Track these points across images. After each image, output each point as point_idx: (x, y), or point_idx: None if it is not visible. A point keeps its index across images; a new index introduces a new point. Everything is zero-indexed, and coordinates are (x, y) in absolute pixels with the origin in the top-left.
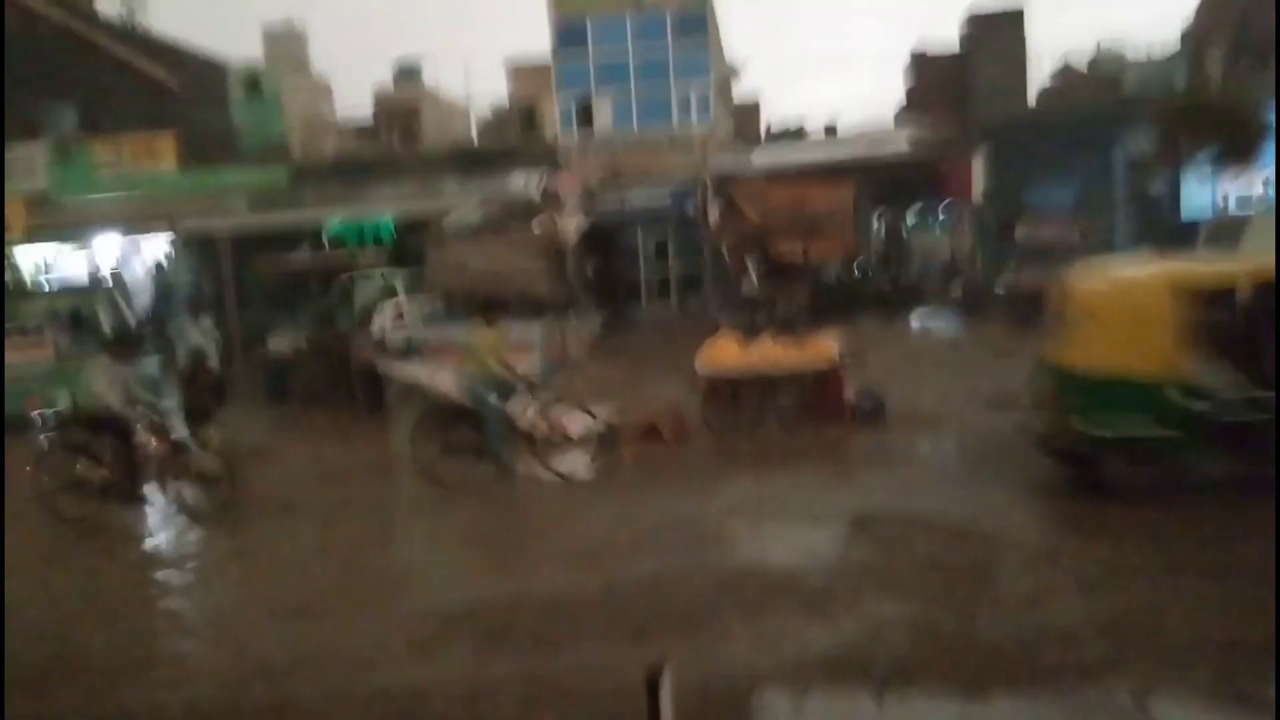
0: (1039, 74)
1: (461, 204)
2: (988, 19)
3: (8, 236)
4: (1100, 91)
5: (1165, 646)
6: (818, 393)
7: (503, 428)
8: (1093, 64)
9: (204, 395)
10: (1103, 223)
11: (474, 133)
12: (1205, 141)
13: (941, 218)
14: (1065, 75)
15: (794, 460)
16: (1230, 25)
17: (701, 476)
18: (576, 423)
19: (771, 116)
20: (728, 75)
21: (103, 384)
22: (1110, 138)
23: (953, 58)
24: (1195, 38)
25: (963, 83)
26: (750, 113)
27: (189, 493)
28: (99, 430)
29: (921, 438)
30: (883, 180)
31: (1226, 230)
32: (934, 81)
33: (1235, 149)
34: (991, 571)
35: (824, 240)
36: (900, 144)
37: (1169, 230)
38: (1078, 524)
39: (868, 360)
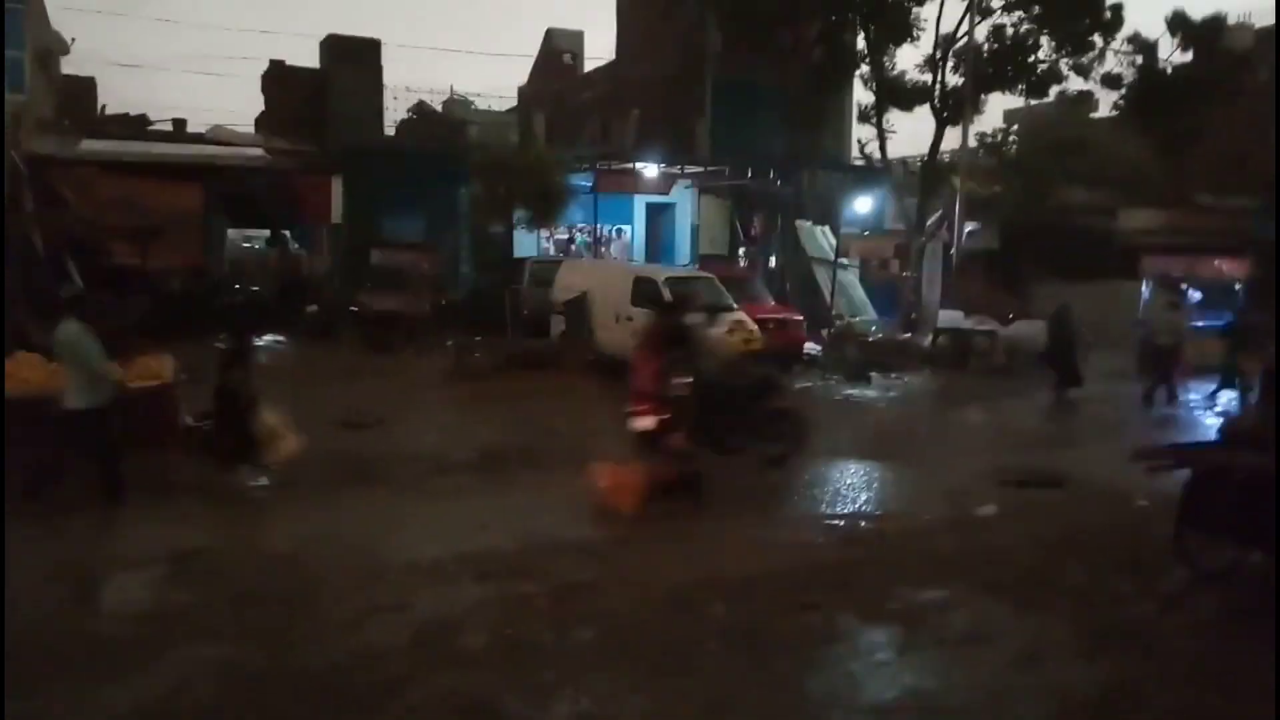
0: (394, 107)
1: None
2: (346, 42)
3: None
4: (451, 134)
5: None
6: (147, 416)
7: None
8: (446, 106)
9: None
10: (448, 254)
11: None
12: (522, 203)
13: (291, 236)
14: (420, 112)
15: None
16: (549, 98)
17: None
18: None
19: (110, 100)
20: (53, 46)
21: None
22: (457, 177)
23: (312, 74)
24: (524, 103)
25: (321, 102)
26: (82, 92)
27: None
28: None
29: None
30: (236, 190)
31: (545, 268)
32: (293, 95)
33: (542, 213)
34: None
35: (166, 246)
36: (257, 154)
37: (503, 264)
38: None
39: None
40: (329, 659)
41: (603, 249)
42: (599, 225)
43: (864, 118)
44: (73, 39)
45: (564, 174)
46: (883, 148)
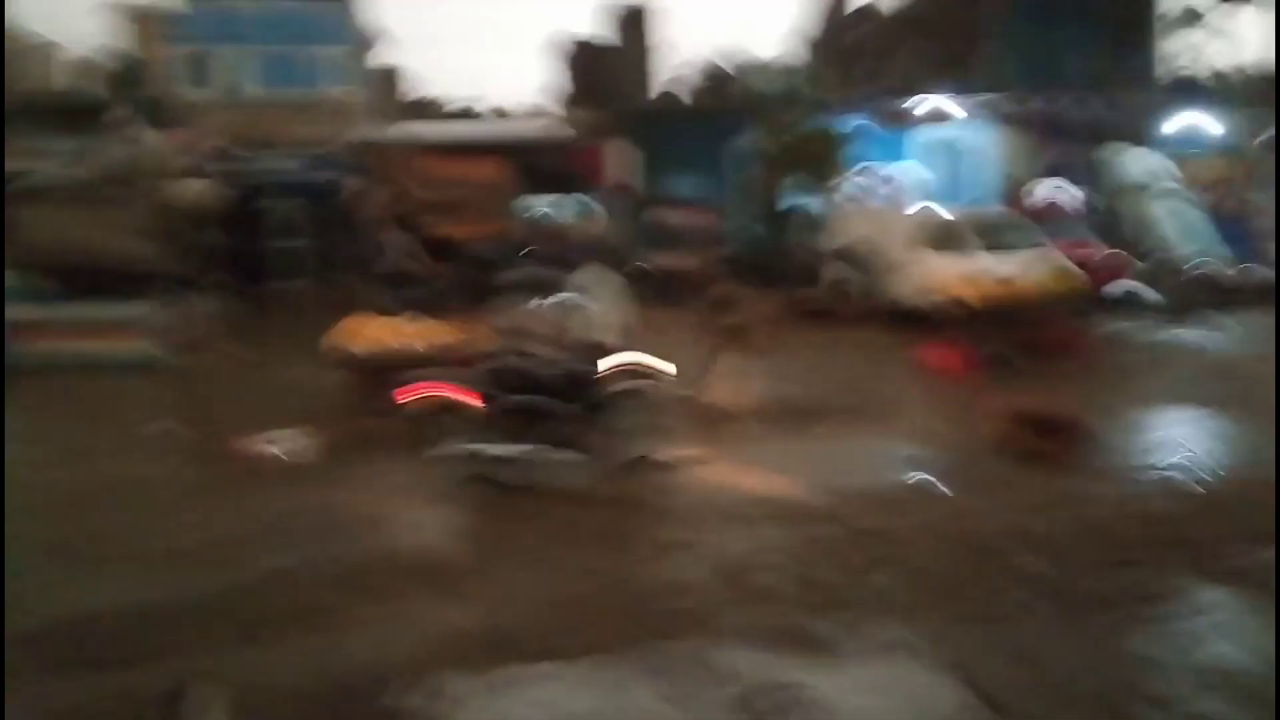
0: (668, 67)
1: (43, 161)
2: (634, 11)
3: None
4: (722, 90)
5: None
6: None
7: None
8: (715, 65)
9: None
10: (726, 208)
11: (62, 80)
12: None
13: (587, 202)
14: (693, 68)
15: None
16: (824, 37)
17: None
18: None
19: (408, 87)
20: (366, 39)
21: None
22: (730, 129)
23: (604, 46)
24: (797, 46)
25: (611, 71)
26: (388, 81)
27: None
28: None
29: None
30: (532, 160)
31: (821, 216)
32: (586, 68)
33: (817, 183)
34: None
35: (476, 217)
36: (546, 126)
37: (774, 216)
38: None
39: None
40: (639, 588)
41: (881, 191)
42: (877, 165)
43: (1189, 20)
44: (380, 31)
45: (841, 150)
46: (1212, 56)
